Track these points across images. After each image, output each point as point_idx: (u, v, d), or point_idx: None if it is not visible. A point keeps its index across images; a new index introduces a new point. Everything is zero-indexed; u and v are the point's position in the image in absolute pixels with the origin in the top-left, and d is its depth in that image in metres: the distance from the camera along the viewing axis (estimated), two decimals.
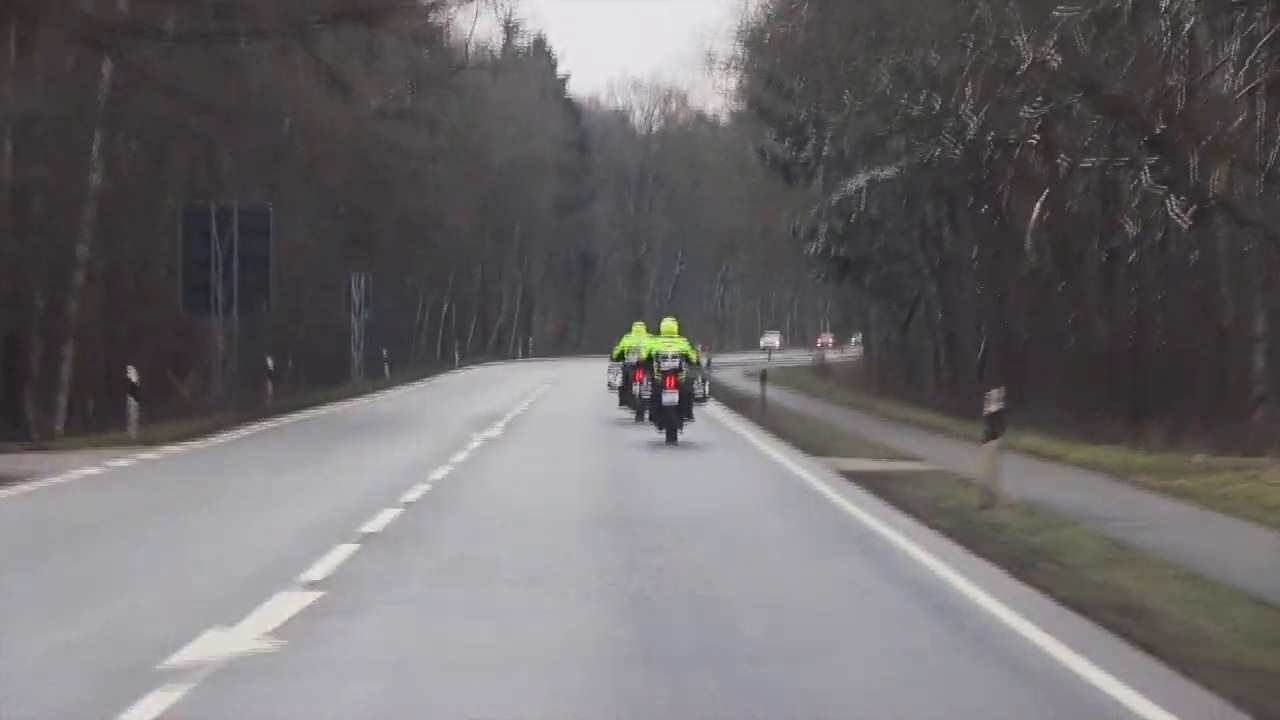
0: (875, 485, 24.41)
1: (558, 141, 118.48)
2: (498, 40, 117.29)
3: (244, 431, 37.06)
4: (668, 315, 38.45)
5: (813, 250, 66.03)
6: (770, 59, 58.25)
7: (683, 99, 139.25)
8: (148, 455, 29.58)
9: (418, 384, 66.25)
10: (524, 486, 25.08)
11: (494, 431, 36.84)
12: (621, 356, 40.86)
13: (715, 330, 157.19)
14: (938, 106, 41.34)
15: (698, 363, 34.41)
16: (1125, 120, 36.48)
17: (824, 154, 53.48)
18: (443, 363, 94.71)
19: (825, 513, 21.84)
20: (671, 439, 32.79)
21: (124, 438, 32.35)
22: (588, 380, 70.97)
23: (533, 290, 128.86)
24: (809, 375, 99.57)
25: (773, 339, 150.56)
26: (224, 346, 43.81)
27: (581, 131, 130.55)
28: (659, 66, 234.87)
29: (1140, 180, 41.88)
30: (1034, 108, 40.09)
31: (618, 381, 41.00)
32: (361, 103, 59.67)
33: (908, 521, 20.22)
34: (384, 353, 67.50)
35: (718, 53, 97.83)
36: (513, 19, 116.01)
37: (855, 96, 45.18)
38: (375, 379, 64.90)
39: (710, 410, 49.22)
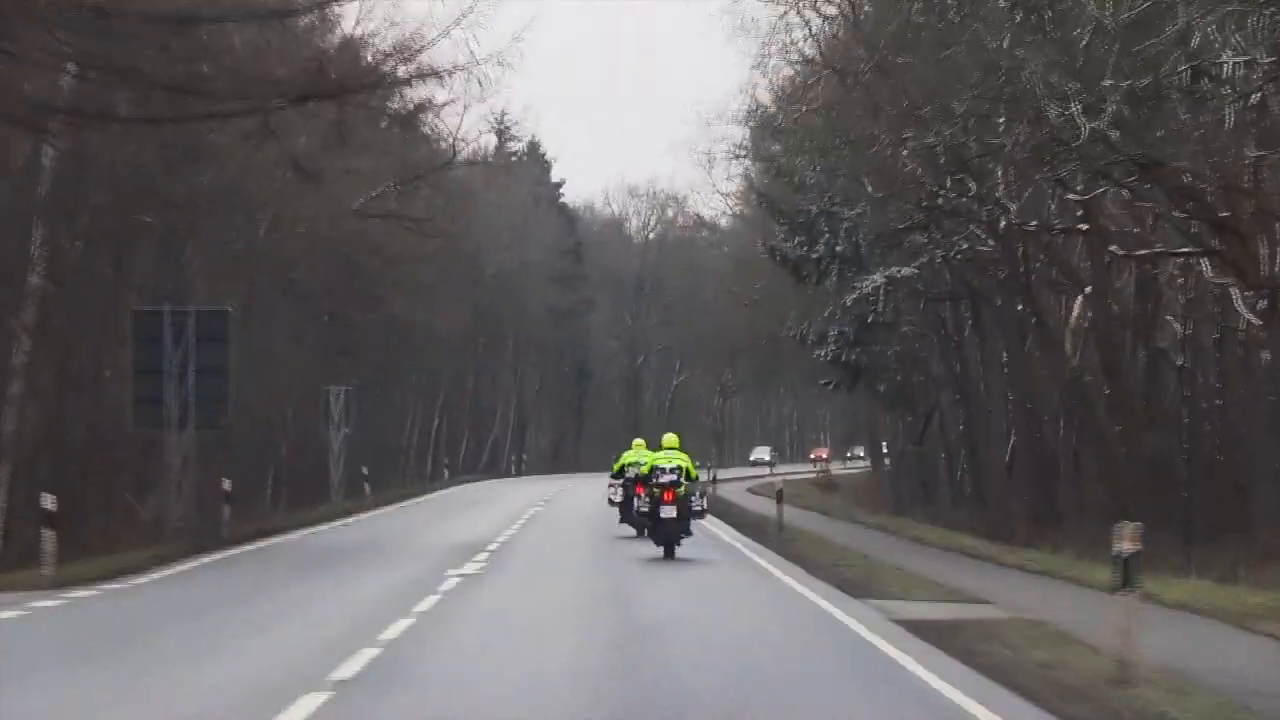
0: (950, 642, 19.50)
1: (552, 248, 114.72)
2: (489, 143, 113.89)
3: (186, 565, 32.59)
4: (667, 431, 38.36)
5: (823, 356, 62.12)
6: (781, 144, 54.36)
7: (681, 204, 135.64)
8: (44, 603, 24.35)
9: (401, 504, 62.06)
10: (501, 652, 19.05)
11: (475, 565, 31.90)
12: (621, 472, 40.43)
13: (714, 444, 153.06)
14: (971, 192, 37.44)
15: (696, 478, 34.16)
16: (1187, 202, 32.55)
17: (837, 251, 49.56)
18: (431, 481, 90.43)
19: (905, 691, 16.54)
20: (669, 554, 32.67)
21: (36, 577, 27.84)
22: (583, 498, 66.58)
23: (527, 403, 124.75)
24: (815, 491, 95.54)
25: (762, 452, 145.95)
26: (179, 465, 39.44)
27: (577, 238, 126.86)
28: (655, 173, 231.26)
29: (1200, 270, 38.08)
30: (1078, 193, 36.30)
31: (618, 497, 40.56)
32: (342, 199, 55.71)
33: (1027, 708, 15.37)
34: (364, 470, 63.32)
35: (719, 147, 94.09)
36: (505, 120, 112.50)
37: (876, 185, 41.22)
38: (356, 498, 60.65)
39: (723, 534, 44.94)
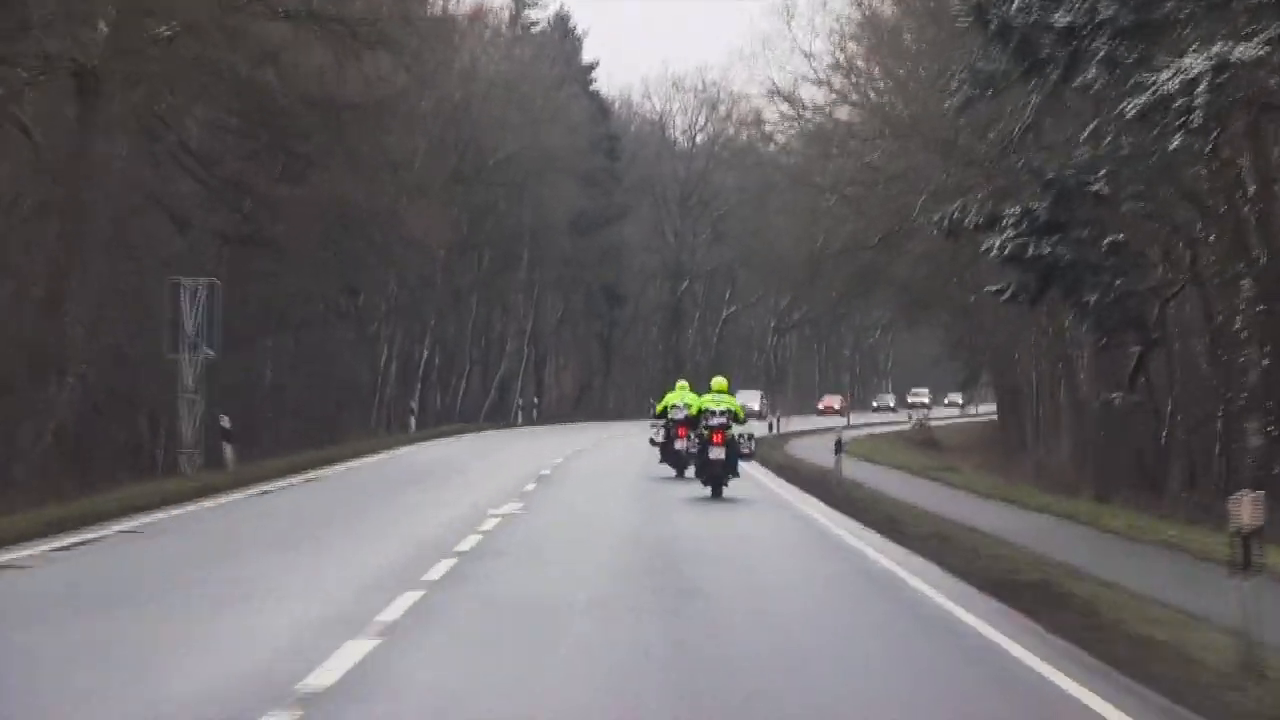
0: None
1: (578, 139, 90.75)
2: (505, 11, 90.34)
3: None
4: (715, 374, 40.02)
5: (995, 251, 38.80)
6: None
7: (736, 102, 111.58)
8: None
9: (284, 482, 36.91)
10: None
11: None
12: (664, 413, 39.59)
13: (767, 387, 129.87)
14: None
15: (745, 420, 34.61)
16: None
17: (1107, 16, 26.00)
18: (389, 431, 66.96)
19: None
20: (717, 494, 33.29)
21: None
22: (617, 466, 44.46)
23: (544, 335, 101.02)
24: (913, 450, 72.66)
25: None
26: None
27: (610, 133, 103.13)
28: (705, 62, 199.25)
29: None
30: None
31: (659, 437, 39.89)
32: None
33: None
34: (224, 423, 37.67)
35: None
36: None
37: None
38: (216, 470, 35.80)
39: (853, 534, 26.46)
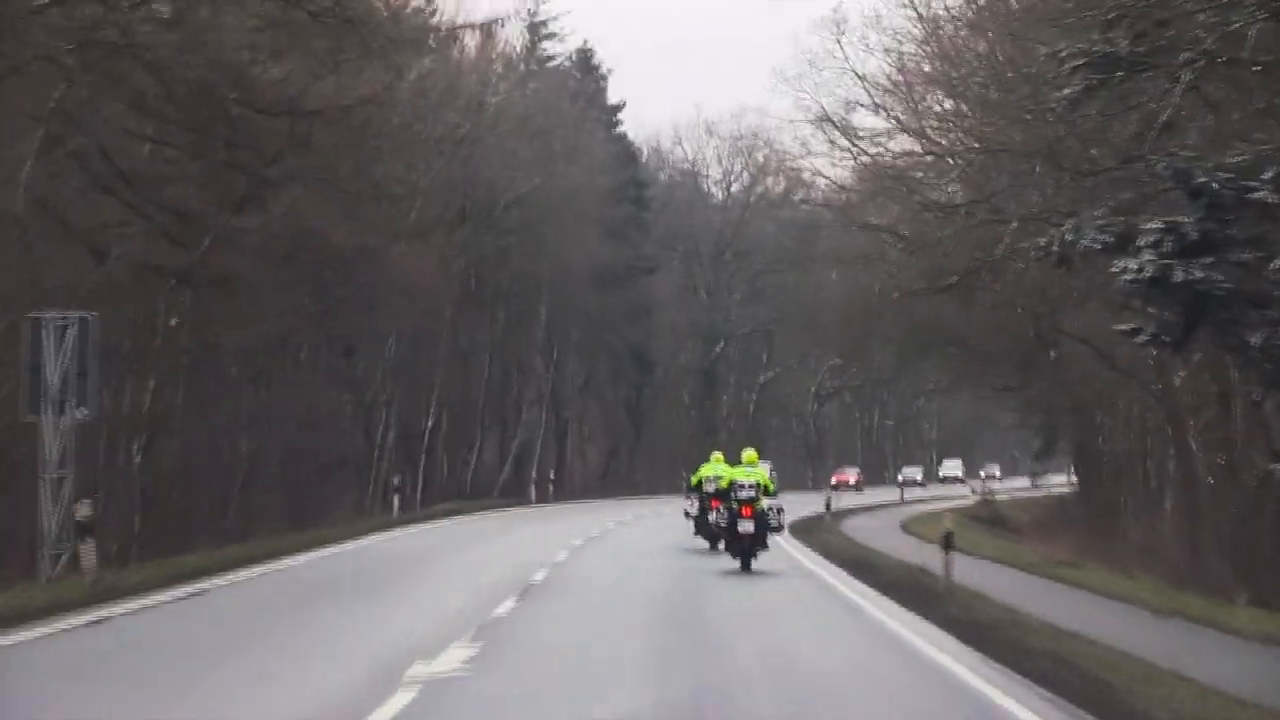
0: None
1: (601, 183, 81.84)
2: (517, 37, 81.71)
3: None
4: (747, 446, 37.86)
5: (1131, 274, 30.01)
6: None
7: (773, 149, 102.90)
8: None
9: (184, 593, 26.89)
10: None
11: None
12: (699, 485, 39.31)
13: (806, 460, 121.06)
14: None
15: (774, 493, 34.65)
16: None
17: None
18: (382, 514, 57.88)
19: None
20: (746, 567, 33.03)
21: None
22: (641, 560, 35.80)
23: (566, 401, 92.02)
24: (982, 530, 63.94)
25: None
26: None
27: (637, 179, 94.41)
28: (742, 105, 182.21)
29: None
30: None
31: (694, 510, 39.54)
32: None
33: None
34: (78, 511, 25.76)
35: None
36: (537, 11, 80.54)
37: None
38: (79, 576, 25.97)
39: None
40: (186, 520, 47.85)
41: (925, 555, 41.96)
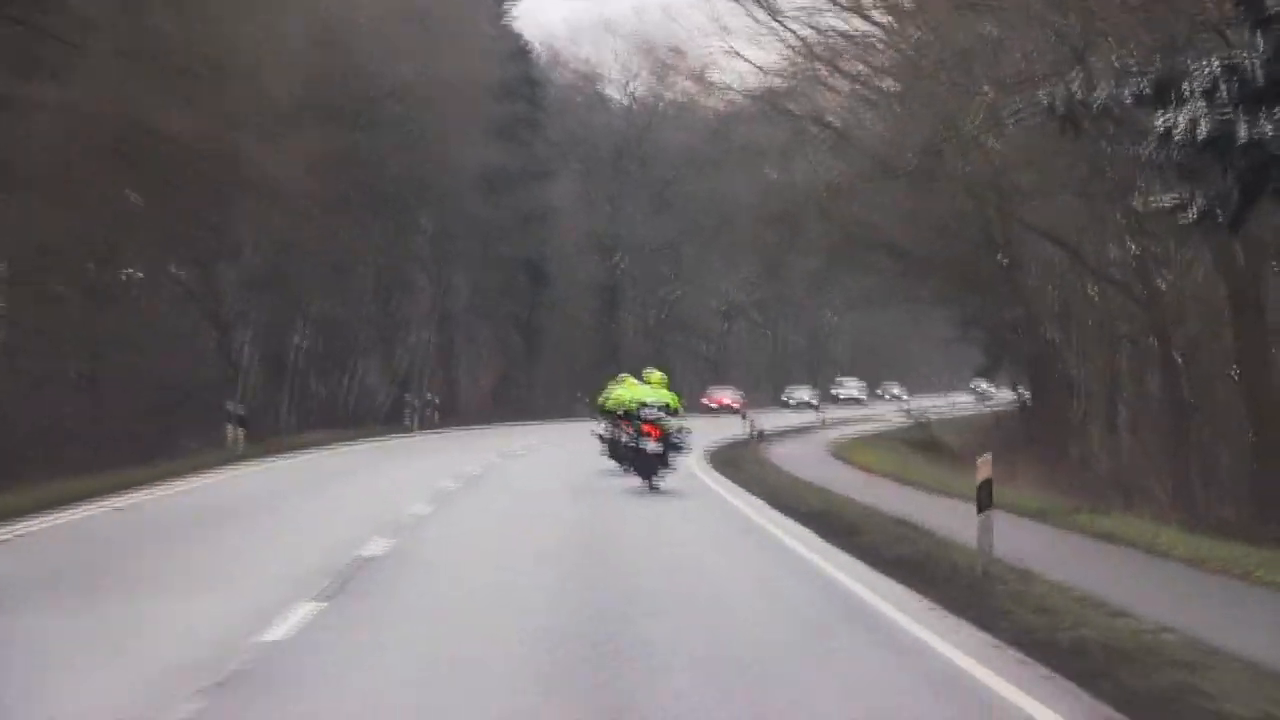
0: None
1: (489, 75, 73.56)
2: None
3: None
4: (650, 367, 38.81)
5: (1180, 131, 22.77)
6: None
7: (679, 49, 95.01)
8: None
9: None
10: None
11: None
12: (609, 406, 37.12)
13: (715, 380, 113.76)
14: None
15: (680, 413, 34.38)
16: None
17: None
18: (227, 448, 49.67)
19: None
20: (652, 486, 32.87)
21: None
22: (533, 502, 28.30)
23: (454, 319, 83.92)
24: (921, 455, 57.46)
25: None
26: None
27: (530, 77, 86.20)
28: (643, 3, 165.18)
29: None
30: None
31: (606, 433, 37.40)
32: None
33: None
34: None
35: None
36: None
37: None
38: None
39: None
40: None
41: (883, 494, 34.71)
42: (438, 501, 29.37)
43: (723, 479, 37.93)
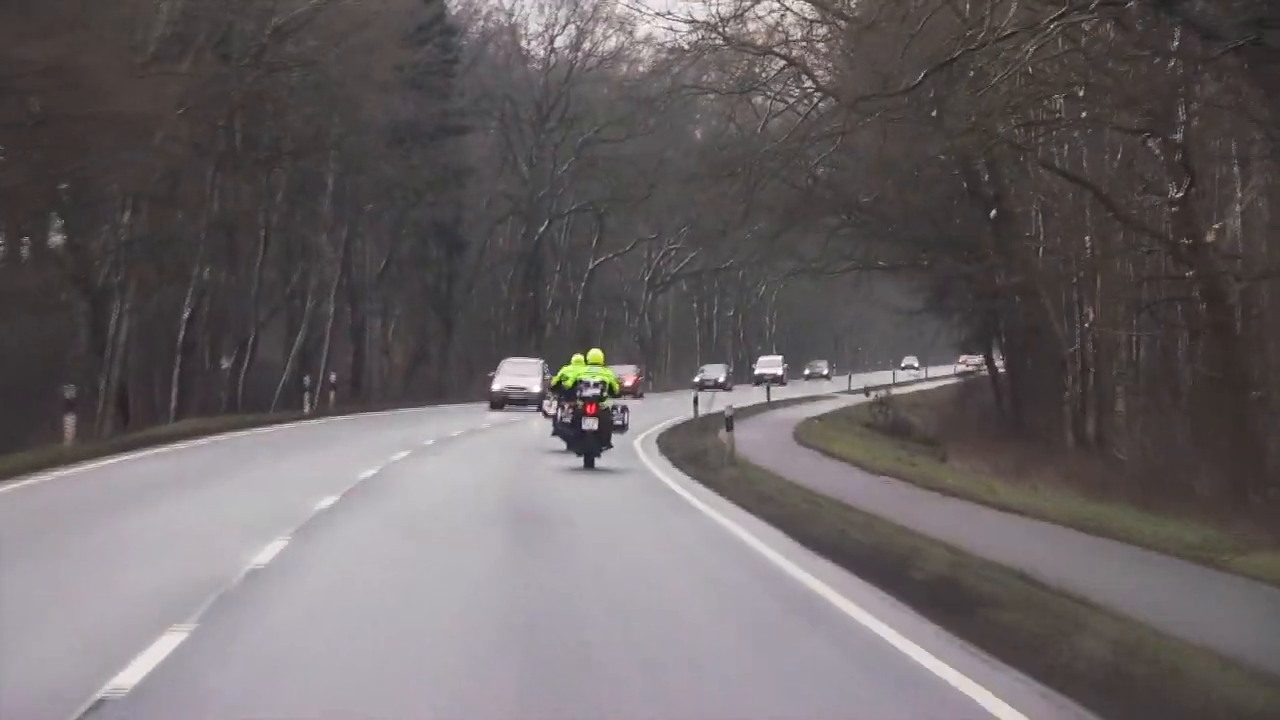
0: None
1: (401, 13, 65.95)
2: None
3: None
4: (589, 346, 42.10)
5: None
6: None
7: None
8: None
9: None
10: None
11: None
12: (560, 386, 36.59)
13: (642, 354, 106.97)
14: None
15: (619, 392, 35.27)
16: None
17: None
18: (103, 438, 41.70)
19: None
20: (589, 464, 33.93)
21: None
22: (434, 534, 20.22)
23: (361, 289, 76.35)
24: (887, 441, 50.76)
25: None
26: None
27: (444, 25, 78.64)
28: None
29: None
30: None
31: (554, 411, 37.01)
32: None
33: None
34: None
35: None
36: None
37: None
38: None
39: None
40: None
41: (881, 495, 27.75)
42: (296, 536, 19.69)
43: (704, 490, 30.54)
